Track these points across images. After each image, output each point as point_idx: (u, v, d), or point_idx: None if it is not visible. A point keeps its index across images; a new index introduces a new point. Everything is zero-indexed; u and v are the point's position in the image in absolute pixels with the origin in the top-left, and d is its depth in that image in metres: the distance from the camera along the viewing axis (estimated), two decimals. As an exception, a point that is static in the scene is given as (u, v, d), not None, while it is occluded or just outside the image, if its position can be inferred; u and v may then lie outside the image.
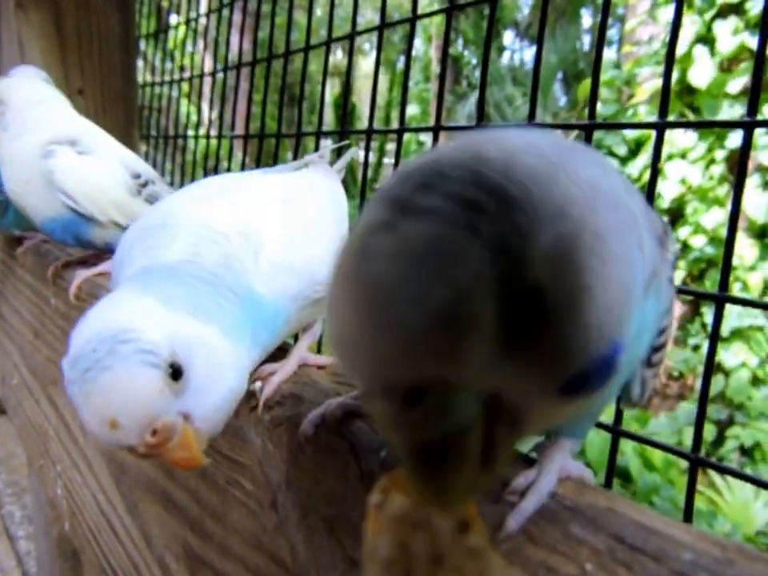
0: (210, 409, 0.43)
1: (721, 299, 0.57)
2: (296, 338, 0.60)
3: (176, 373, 0.41)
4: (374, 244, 0.22)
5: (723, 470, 0.64)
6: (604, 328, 0.24)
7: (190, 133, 1.61)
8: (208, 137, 1.36)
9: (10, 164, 0.80)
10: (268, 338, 0.50)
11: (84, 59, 1.27)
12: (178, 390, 0.41)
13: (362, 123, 6.24)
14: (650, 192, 0.62)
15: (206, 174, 1.41)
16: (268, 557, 0.52)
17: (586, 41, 7.94)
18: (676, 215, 4.19)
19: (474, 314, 0.21)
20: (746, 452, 3.44)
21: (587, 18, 8.16)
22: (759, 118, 0.56)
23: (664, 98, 0.62)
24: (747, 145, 0.56)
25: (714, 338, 0.57)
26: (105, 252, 0.86)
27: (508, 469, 0.32)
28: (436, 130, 0.81)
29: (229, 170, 1.34)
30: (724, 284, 0.57)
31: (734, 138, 3.70)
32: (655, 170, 0.61)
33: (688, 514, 0.58)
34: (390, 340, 0.21)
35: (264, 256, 0.49)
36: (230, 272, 0.47)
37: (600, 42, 0.69)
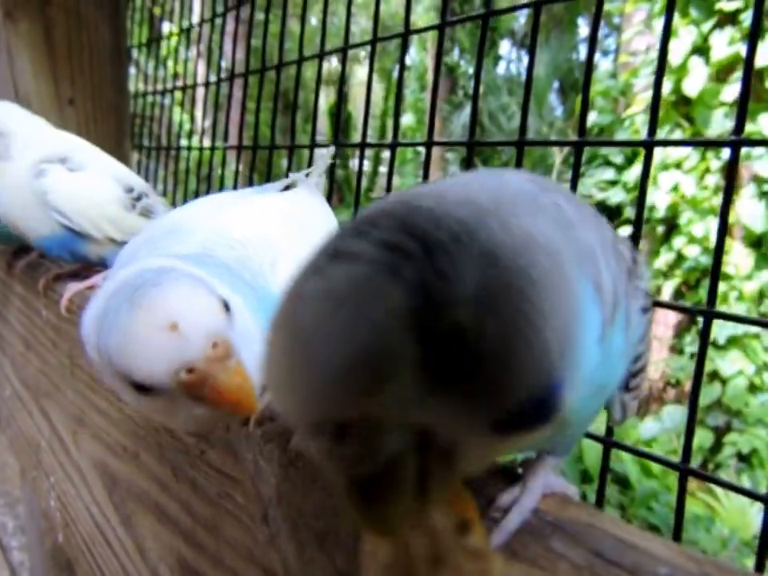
0: (252, 357, 0.40)
1: (709, 314, 0.58)
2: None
3: (224, 306, 0.39)
4: (301, 287, 0.23)
5: (712, 480, 0.65)
6: (537, 370, 0.24)
7: (184, 143, 1.61)
8: (201, 148, 1.37)
9: (3, 188, 0.81)
10: None
11: (74, 69, 1.26)
12: (229, 322, 0.38)
13: (358, 132, 6.26)
14: (639, 210, 0.62)
15: (198, 182, 1.42)
16: (261, 569, 0.52)
17: (583, 50, 7.98)
18: (671, 225, 4.22)
19: (392, 354, 0.21)
20: (743, 458, 3.45)
21: (584, 28, 8.17)
22: (745, 136, 0.57)
23: (653, 117, 0.63)
24: (734, 162, 0.57)
25: (702, 352, 0.58)
26: (97, 264, 0.87)
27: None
28: (429, 145, 0.82)
29: (222, 178, 1.35)
30: (712, 299, 0.58)
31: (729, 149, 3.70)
32: (644, 189, 0.62)
33: (678, 524, 0.58)
34: (313, 379, 0.22)
35: (280, 268, 0.47)
36: (246, 271, 0.45)
37: (589, 59, 0.70)
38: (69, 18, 1.23)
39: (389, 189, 0.92)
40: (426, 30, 0.86)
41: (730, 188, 0.58)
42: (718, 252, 0.58)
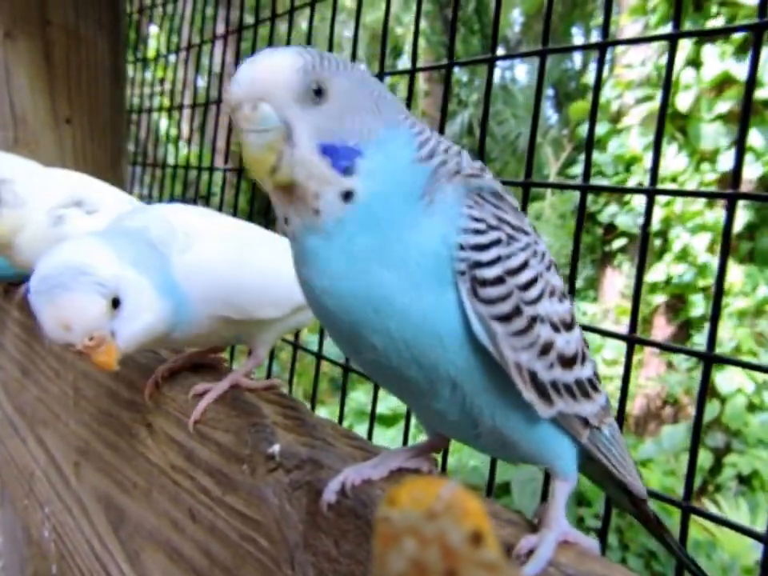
0: (130, 333, 0.59)
1: (708, 358, 0.61)
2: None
3: (115, 303, 0.58)
4: None
5: (713, 519, 0.68)
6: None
7: (171, 149, 1.61)
8: (200, 169, 1.36)
9: (23, 237, 0.81)
10: (182, 318, 0.63)
11: (72, 88, 1.26)
12: (113, 315, 0.58)
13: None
14: (641, 259, 0.65)
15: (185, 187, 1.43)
16: (282, 612, 0.53)
17: (577, 60, 8.08)
18: (665, 239, 4.30)
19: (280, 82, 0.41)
20: (743, 480, 3.39)
21: (579, 38, 8.26)
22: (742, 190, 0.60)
23: (655, 164, 0.66)
24: (731, 217, 0.60)
25: (702, 397, 0.61)
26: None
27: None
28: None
29: (210, 183, 1.36)
30: (711, 343, 0.61)
31: (724, 162, 3.75)
32: (646, 234, 0.65)
33: (681, 563, 0.61)
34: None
35: (191, 253, 0.64)
36: (165, 248, 0.63)
37: (594, 107, 0.73)
38: (69, 37, 1.23)
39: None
40: (432, 68, 0.89)
41: (726, 244, 0.60)
42: (717, 300, 0.61)
